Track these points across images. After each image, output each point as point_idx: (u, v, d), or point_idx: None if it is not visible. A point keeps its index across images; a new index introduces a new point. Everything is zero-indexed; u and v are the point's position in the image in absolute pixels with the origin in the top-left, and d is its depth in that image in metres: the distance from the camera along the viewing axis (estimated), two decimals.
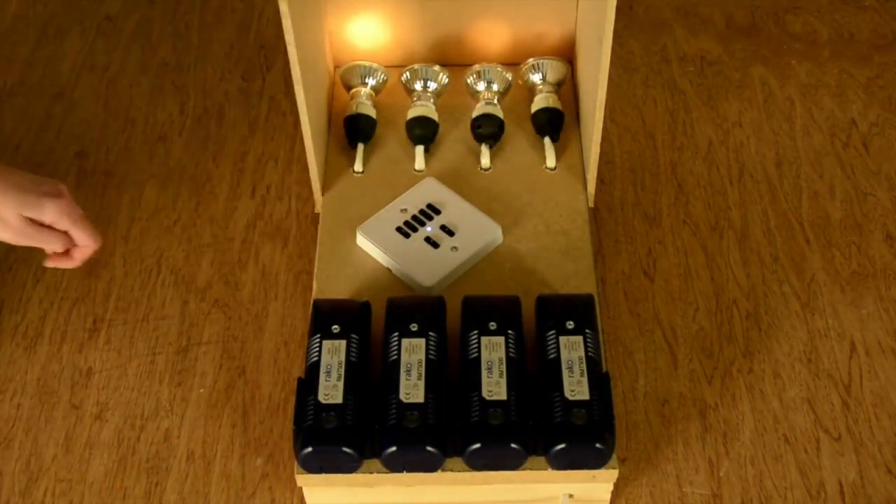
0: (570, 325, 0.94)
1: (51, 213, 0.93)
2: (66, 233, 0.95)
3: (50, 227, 0.95)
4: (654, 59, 1.42)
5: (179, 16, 1.48)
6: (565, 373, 0.90)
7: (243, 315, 1.14)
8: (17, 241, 0.94)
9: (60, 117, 1.36)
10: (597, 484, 0.92)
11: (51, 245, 0.95)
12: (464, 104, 1.20)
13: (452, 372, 0.93)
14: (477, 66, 1.20)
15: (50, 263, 0.98)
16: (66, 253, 0.97)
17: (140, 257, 1.20)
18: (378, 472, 0.90)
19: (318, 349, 0.93)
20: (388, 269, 1.05)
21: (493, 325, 0.94)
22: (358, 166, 1.15)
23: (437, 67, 1.20)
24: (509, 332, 0.93)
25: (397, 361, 0.91)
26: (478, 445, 0.87)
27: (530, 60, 1.21)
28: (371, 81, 1.20)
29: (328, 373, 0.91)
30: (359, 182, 1.15)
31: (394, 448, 0.87)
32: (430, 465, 0.89)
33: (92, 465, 1.03)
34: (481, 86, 1.19)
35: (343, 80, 1.21)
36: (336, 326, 0.94)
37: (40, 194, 0.93)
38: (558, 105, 1.17)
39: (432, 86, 1.20)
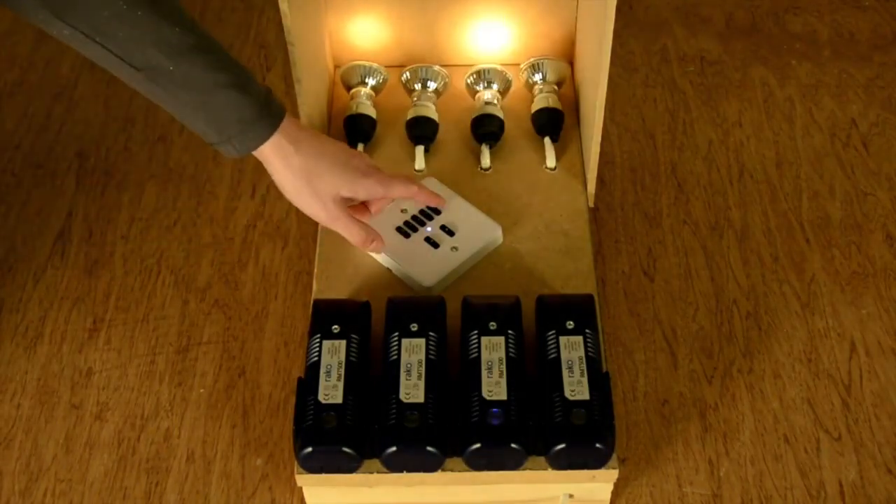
0: (570, 325, 0.94)
1: (364, 191, 0.95)
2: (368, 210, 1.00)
3: (356, 209, 0.98)
4: (654, 59, 1.42)
5: None
6: (565, 373, 0.90)
7: (243, 315, 1.14)
8: (327, 223, 0.96)
9: (60, 117, 1.36)
10: (597, 484, 0.92)
11: (354, 237, 0.97)
12: (464, 104, 1.20)
13: (452, 372, 0.93)
14: (477, 66, 1.20)
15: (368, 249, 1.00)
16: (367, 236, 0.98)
17: (140, 257, 1.20)
18: (378, 472, 0.90)
19: (318, 349, 0.93)
20: (388, 269, 1.05)
21: (493, 325, 0.94)
22: None
23: (437, 67, 1.20)
24: (509, 332, 0.93)
25: (397, 361, 0.91)
26: (478, 445, 0.87)
27: (530, 60, 1.21)
28: (371, 81, 1.20)
29: (328, 373, 0.91)
30: None
31: (394, 448, 0.87)
32: (430, 465, 0.89)
33: (92, 465, 1.03)
34: (481, 86, 1.19)
35: (343, 80, 1.21)
36: (336, 326, 0.94)
37: (355, 171, 0.94)
38: (558, 105, 1.17)
39: (432, 86, 1.20)
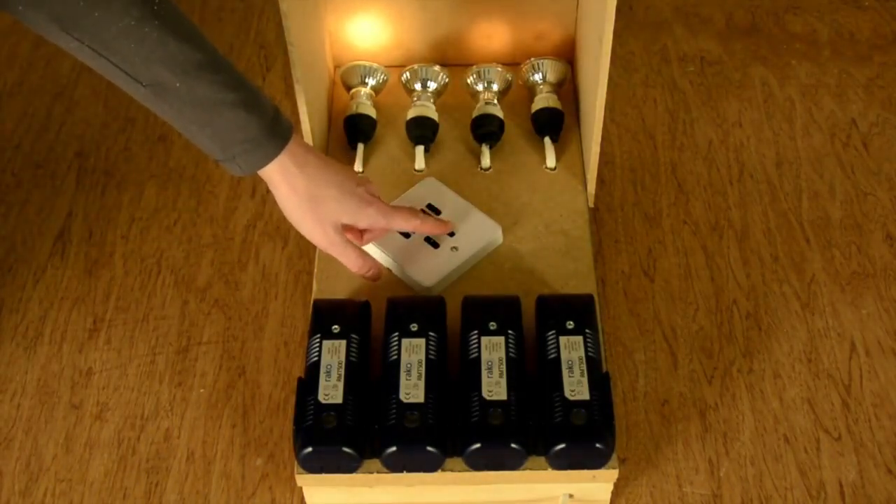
0: (570, 325, 0.94)
1: (366, 221, 0.96)
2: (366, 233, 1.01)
3: (356, 234, 1.00)
4: (654, 59, 1.42)
5: None
6: (565, 373, 0.90)
7: (243, 315, 1.14)
8: (325, 249, 0.96)
9: (60, 117, 1.36)
10: (597, 484, 0.92)
11: (351, 264, 0.98)
12: (464, 104, 1.20)
13: (452, 372, 0.93)
14: (477, 66, 1.20)
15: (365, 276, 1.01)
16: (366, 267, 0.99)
17: (140, 257, 1.20)
18: (378, 472, 0.90)
19: (318, 349, 0.93)
20: (388, 269, 1.05)
21: (493, 325, 0.94)
22: (358, 166, 1.15)
23: (437, 67, 1.20)
24: (509, 332, 0.93)
25: (397, 361, 0.91)
26: (478, 445, 0.87)
27: (530, 60, 1.21)
28: (371, 81, 1.20)
29: (328, 373, 0.91)
30: None
31: (394, 448, 0.87)
32: (430, 465, 0.89)
33: (92, 465, 1.03)
34: (481, 86, 1.19)
35: (343, 80, 1.21)
36: (336, 326, 0.94)
37: (359, 200, 0.95)
38: (558, 105, 1.17)
39: (432, 86, 1.20)
